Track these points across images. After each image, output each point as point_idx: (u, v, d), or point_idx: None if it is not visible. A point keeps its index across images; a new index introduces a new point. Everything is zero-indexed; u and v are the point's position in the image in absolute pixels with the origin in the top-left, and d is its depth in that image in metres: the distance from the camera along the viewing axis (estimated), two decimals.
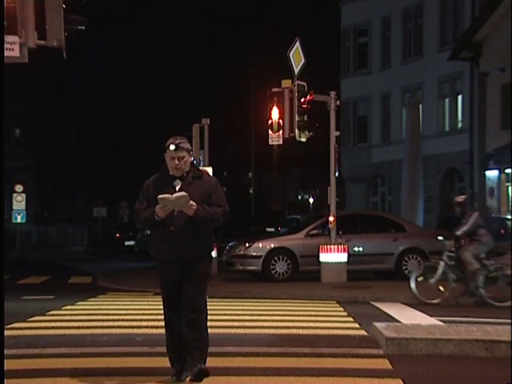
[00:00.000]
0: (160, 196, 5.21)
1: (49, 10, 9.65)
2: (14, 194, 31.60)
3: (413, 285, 11.32)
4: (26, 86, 41.02)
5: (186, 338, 5.45)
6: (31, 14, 9.65)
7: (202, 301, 5.52)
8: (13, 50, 9.55)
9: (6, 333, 7.73)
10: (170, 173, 5.44)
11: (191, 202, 5.22)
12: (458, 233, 11.21)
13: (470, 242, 11.18)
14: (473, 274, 10.98)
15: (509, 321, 7.63)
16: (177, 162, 5.36)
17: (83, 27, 10.16)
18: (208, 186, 5.43)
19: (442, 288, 11.04)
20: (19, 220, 31.67)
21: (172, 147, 5.32)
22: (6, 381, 5.28)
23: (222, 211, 5.41)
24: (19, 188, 31.84)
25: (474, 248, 11.09)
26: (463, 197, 11.78)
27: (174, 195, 5.21)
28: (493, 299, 10.85)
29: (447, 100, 26.93)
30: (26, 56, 9.78)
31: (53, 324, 8.82)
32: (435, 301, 11.03)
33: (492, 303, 10.79)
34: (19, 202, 31.54)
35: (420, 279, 11.26)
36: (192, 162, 5.53)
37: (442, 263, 11.33)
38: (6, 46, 9.47)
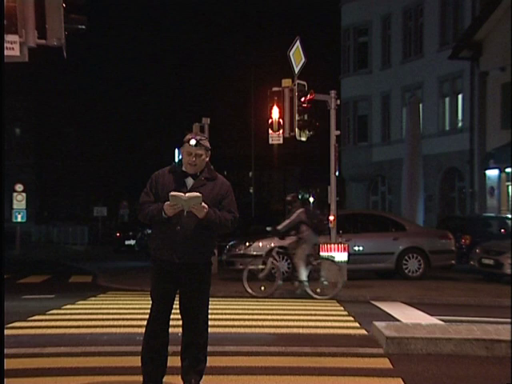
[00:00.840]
0: (172, 193, 4.86)
1: (49, 9, 9.66)
2: (15, 194, 31.58)
3: (244, 279, 12.33)
4: (27, 85, 41.02)
5: (185, 360, 5.05)
6: (31, 13, 9.66)
7: (203, 310, 5.14)
8: (13, 49, 9.56)
9: (7, 332, 7.73)
10: (183, 168, 5.07)
11: (203, 203, 4.88)
12: (280, 227, 12.28)
13: (296, 244, 12.28)
14: (299, 271, 12.20)
15: (509, 320, 7.64)
16: (194, 158, 5.01)
17: (83, 26, 10.15)
18: (220, 189, 5.09)
19: (268, 283, 12.30)
20: (19, 219, 31.66)
21: (193, 142, 4.98)
22: (6, 380, 5.28)
23: (232, 218, 5.07)
24: (19, 187, 31.83)
25: (302, 251, 12.19)
26: (292, 194, 12.99)
27: (188, 194, 4.87)
28: (315, 293, 12.03)
29: (447, 99, 26.93)
30: (27, 55, 9.78)
31: (53, 323, 8.82)
32: (262, 294, 12.11)
33: (315, 297, 11.94)
34: (19, 201, 31.53)
35: (255, 271, 12.42)
36: (208, 163, 5.16)
37: (270, 260, 12.56)
38: (6, 45, 9.47)
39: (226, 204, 5.08)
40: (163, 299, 5.05)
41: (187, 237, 4.97)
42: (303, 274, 12.19)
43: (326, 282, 12.22)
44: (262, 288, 12.28)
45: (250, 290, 12.26)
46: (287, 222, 12.19)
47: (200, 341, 5.10)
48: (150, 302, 5.13)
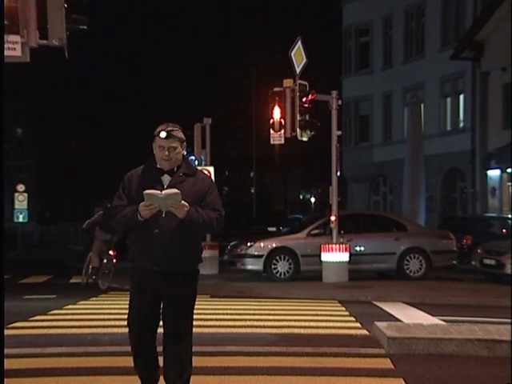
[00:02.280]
0: (147, 191, 4.31)
1: (50, 9, 9.67)
2: (16, 194, 31.56)
3: (83, 273, 14.38)
4: (28, 85, 41.03)
5: (166, 374, 4.56)
6: (33, 13, 9.66)
7: (187, 325, 4.55)
8: (15, 49, 9.57)
9: (8, 332, 7.74)
10: (158, 165, 4.53)
11: (183, 201, 4.33)
12: (84, 226, 14.57)
13: (94, 243, 14.29)
14: (95, 267, 14.17)
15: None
16: (167, 152, 4.45)
17: (85, 27, 10.16)
18: (202, 185, 4.53)
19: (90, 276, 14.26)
20: (21, 219, 31.64)
21: (163, 134, 4.42)
22: (8, 380, 5.28)
23: (217, 216, 4.49)
24: (21, 187, 31.81)
25: (95, 248, 14.17)
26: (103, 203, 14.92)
27: (164, 192, 4.33)
28: (103, 285, 13.98)
29: (449, 99, 26.91)
30: (28, 55, 9.79)
31: (54, 323, 8.82)
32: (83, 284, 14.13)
33: (101, 287, 13.88)
34: (21, 201, 31.50)
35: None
36: (185, 156, 4.61)
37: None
38: (8, 45, 9.49)
39: (210, 201, 4.52)
40: (143, 312, 4.50)
41: (167, 241, 4.40)
42: (89, 268, 14.25)
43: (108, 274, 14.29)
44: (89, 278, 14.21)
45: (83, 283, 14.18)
46: (89, 221, 14.53)
47: (183, 357, 4.54)
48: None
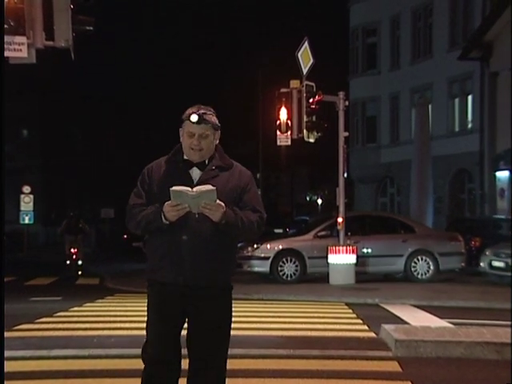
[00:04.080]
0: (174, 188, 3.50)
1: (57, 10, 9.66)
2: (22, 195, 31.61)
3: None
4: (34, 86, 41.13)
5: None
6: (39, 14, 9.66)
7: (220, 353, 3.75)
8: (21, 50, 9.56)
9: (14, 334, 7.73)
10: (185, 157, 3.73)
11: (219, 201, 3.54)
12: (58, 232, 19.32)
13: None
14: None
15: None
16: (197, 141, 3.65)
17: (91, 28, 10.15)
18: (239, 180, 3.72)
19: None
20: (27, 221, 31.67)
21: (194, 118, 3.62)
22: (13, 382, 5.25)
23: (258, 218, 3.69)
24: (27, 189, 31.84)
25: (66, 247, 18.97)
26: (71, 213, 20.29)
27: (196, 188, 3.52)
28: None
29: (457, 100, 26.80)
30: (34, 57, 9.79)
31: (60, 325, 8.79)
32: None
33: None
34: (27, 203, 31.53)
35: None
36: (218, 146, 3.79)
37: None
38: (14, 46, 9.48)
39: (248, 200, 3.72)
40: (165, 338, 3.68)
41: (198, 249, 3.61)
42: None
43: None
44: None
45: None
46: (60, 228, 19.91)
47: None
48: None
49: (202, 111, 3.67)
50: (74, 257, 19.35)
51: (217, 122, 3.72)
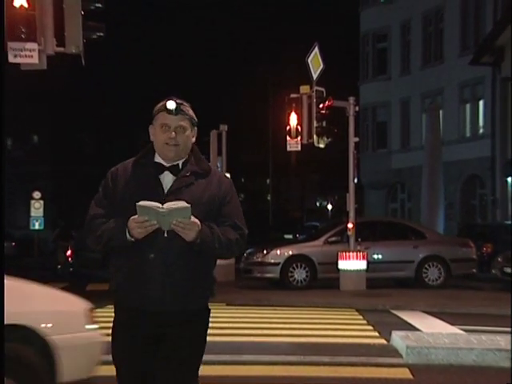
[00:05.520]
0: (141, 203, 2.92)
1: (68, 16, 9.70)
2: (32, 201, 31.73)
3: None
4: (44, 92, 41.38)
5: None
6: (50, 21, 9.70)
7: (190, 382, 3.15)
8: (32, 56, 9.60)
9: None
10: (155, 159, 3.13)
11: (193, 218, 2.95)
12: (51, 240, 20.94)
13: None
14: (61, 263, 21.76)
15: None
16: (173, 133, 3.06)
17: (102, 34, 10.19)
18: (218, 189, 3.12)
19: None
20: (37, 227, 31.75)
21: (171, 104, 3.05)
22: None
23: (238, 237, 3.10)
24: (37, 194, 31.94)
25: (59, 252, 21.31)
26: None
27: (167, 206, 2.93)
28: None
29: (468, 105, 26.69)
30: (45, 63, 9.82)
31: None
32: None
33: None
34: (37, 208, 31.62)
35: None
36: (194, 147, 3.18)
37: None
38: (25, 53, 9.53)
39: (228, 214, 3.12)
40: (135, 365, 3.13)
41: (168, 271, 3.02)
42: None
43: None
44: None
45: None
46: (53, 237, 21.94)
47: None
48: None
49: (179, 101, 3.10)
50: (70, 259, 22.73)
51: (194, 116, 3.15)
